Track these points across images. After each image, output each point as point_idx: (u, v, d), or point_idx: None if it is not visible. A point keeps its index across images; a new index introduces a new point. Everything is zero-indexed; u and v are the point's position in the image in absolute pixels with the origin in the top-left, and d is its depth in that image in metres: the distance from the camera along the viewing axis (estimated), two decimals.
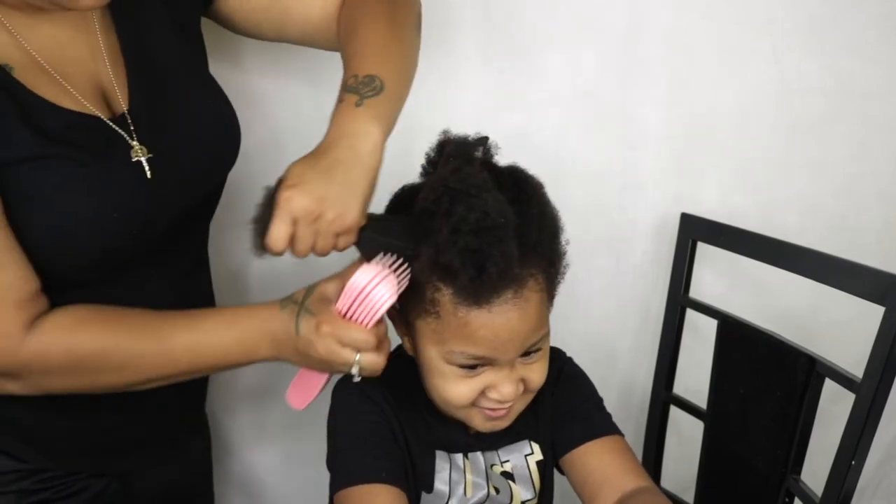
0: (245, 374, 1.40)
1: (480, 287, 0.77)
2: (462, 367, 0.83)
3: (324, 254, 0.80)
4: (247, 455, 1.45)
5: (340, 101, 0.83)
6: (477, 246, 0.76)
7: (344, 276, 0.80)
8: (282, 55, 1.20)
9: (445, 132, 0.86)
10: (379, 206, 0.87)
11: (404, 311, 0.86)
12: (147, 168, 0.82)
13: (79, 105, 0.80)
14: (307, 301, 0.80)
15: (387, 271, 0.78)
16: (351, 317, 0.79)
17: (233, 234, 1.26)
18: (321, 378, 0.86)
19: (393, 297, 0.78)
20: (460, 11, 1.26)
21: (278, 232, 0.76)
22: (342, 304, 0.79)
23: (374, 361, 0.81)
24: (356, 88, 0.83)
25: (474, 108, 1.30)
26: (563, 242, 0.87)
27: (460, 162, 0.81)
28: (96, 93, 0.83)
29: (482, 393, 0.84)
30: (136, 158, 0.82)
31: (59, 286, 0.80)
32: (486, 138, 0.86)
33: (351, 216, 0.78)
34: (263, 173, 1.24)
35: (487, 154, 0.86)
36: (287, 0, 0.95)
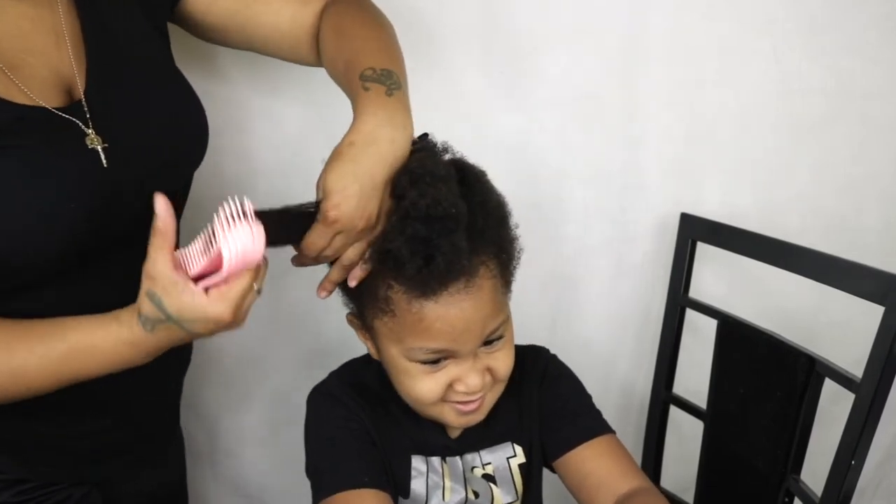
0: (244, 375, 1.40)
1: (429, 278, 0.76)
2: (424, 362, 0.82)
3: (353, 259, 0.78)
4: (246, 455, 1.45)
5: (366, 89, 0.80)
6: (425, 234, 0.75)
7: (162, 255, 0.70)
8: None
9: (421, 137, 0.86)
10: None
11: (362, 315, 0.85)
12: (103, 157, 0.79)
13: (30, 99, 0.77)
14: (170, 312, 0.71)
15: (240, 225, 0.68)
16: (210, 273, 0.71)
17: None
18: None
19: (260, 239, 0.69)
20: (461, 12, 1.26)
21: (318, 244, 0.75)
22: (198, 273, 0.70)
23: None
24: (379, 79, 0.81)
25: (475, 109, 1.31)
26: (513, 227, 0.86)
27: (425, 154, 0.81)
28: (57, 82, 0.81)
29: (450, 387, 0.83)
30: (91, 146, 0.79)
31: (7, 290, 0.77)
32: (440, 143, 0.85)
33: (376, 218, 0.77)
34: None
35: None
36: (256, 7, 0.93)
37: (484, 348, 0.83)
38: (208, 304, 0.70)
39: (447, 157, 0.84)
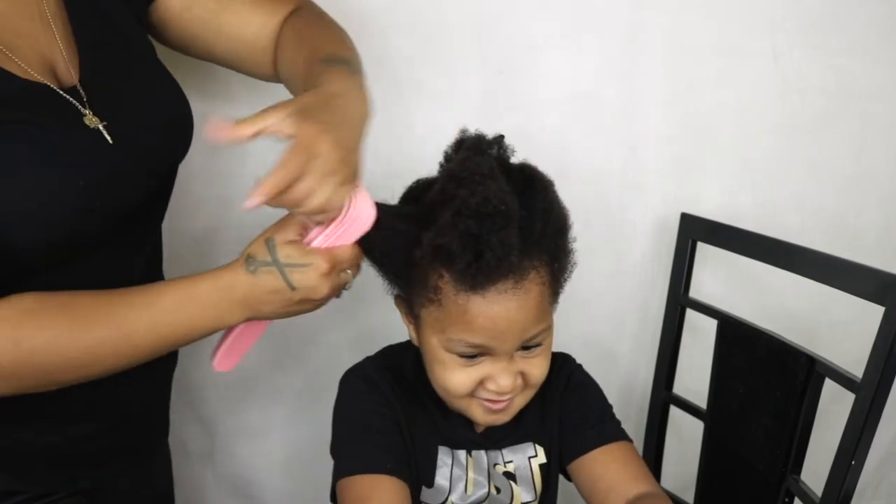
0: (244, 375, 1.40)
1: (477, 272, 0.78)
2: (461, 355, 0.83)
3: (331, 206, 0.76)
4: (246, 455, 1.45)
5: (328, 67, 0.81)
6: (476, 230, 0.77)
7: (291, 218, 0.79)
8: None
9: (463, 130, 0.87)
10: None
11: (409, 301, 0.87)
12: (107, 135, 0.80)
13: (27, 74, 0.77)
14: (279, 256, 0.77)
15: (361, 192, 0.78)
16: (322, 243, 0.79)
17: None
18: (262, 327, 0.84)
19: (373, 210, 0.79)
20: (460, 11, 1.26)
21: (290, 168, 0.71)
22: (314, 237, 0.78)
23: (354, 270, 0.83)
24: (341, 61, 0.82)
25: (474, 109, 1.31)
26: (571, 241, 0.87)
27: (471, 153, 0.83)
28: (43, 65, 0.80)
29: (481, 384, 0.84)
30: (93, 126, 0.79)
31: (11, 276, 0.75)
32: (502, 136, 0.87)
33: (358, 164, 0.78)
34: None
35: (502, 152, 0.86)
36: (226, 14, 0.94)
37: (521, 352, 0.84)
38: (316, 253, 0.78)
39: (518, 160, 0.86)
